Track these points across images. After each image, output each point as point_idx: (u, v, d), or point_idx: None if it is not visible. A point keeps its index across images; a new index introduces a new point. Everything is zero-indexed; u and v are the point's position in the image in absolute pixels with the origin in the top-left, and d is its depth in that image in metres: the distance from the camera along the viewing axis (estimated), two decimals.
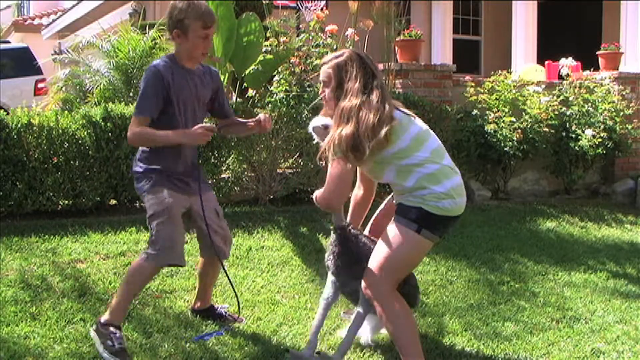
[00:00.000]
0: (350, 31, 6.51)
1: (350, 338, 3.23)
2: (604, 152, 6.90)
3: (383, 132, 2.90)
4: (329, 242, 3.30)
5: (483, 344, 3.57)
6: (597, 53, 7.97)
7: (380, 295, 3.03)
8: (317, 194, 3.06)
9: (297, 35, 6.64)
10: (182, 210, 3.30)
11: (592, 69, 7.84)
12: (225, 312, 3.70)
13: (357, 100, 2.96)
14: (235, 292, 3.68)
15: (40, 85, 11.23)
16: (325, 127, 3.08)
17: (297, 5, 8.16)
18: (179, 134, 3.19)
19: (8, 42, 14.45)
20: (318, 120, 3.14)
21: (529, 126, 6.64)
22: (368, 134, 2.89)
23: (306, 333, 3.56)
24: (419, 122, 3.12)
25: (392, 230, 3.04)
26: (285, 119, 5.74)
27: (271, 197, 5.80)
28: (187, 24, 3.15)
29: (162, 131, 3.17)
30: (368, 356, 3.36)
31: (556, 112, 6.90)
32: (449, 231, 3.24)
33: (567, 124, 7.01)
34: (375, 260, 3.06)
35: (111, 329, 3.15)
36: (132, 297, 3.33)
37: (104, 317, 3.21)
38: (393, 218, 3.09)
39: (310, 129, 3.17)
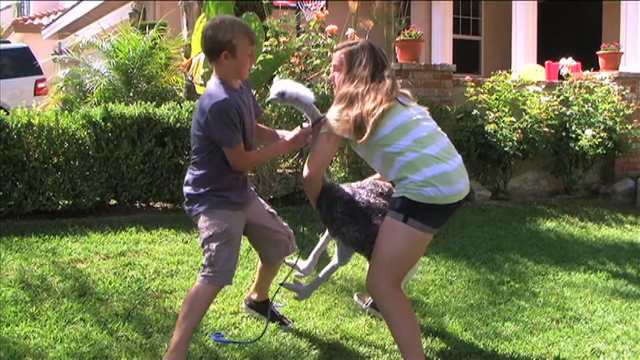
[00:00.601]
0: (350, 31, 6.51)
1: (320, 279, 3.52)
2: (604, 152, 6.90)
3: (380, 109, 3.00)
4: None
5: (483, 344, 3.57)
6: (597, 53, 7.97)
7: (381, 293, 3.05)
8: (307, 165, 3.15)
9: (297, 35, 6.65)
10: (242, 228, 3.27)
11: (592, 69, 7.84)
12: (278, 312, 3.68)
13: (364, 86, 3.08)
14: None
15: (40, 85, 11.24)
16: (282, 95, 3.17)
17: (297, 5, 8.17)
18: (284, 144, 3.32)
19: (8, 42, 14.46)
20: (275, 89, 3.21)
21: (529, 126, 6.64)
22: (371, 113, 3.01)
23: (306, 333, 3.57)
24: (411, 112, 3.15)
25: (384, 225, 3.09)
26: (285, 119, 5.74)
27: (271, 197, 5.80)
28: (235, 44, 3.04)
29: (269, 148, 3.37)
30: (367, 356, 3.36)
31: (556, 112, 6.90)
32: (442, 222, 3.22)
33: (567, 124, 7.01)
34: (373, 259, 3.10)
35: None
36: (192, 331, 3.11)
37: (168, 356, 3.02)
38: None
39: (271, 94, 3.23)
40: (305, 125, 3.27)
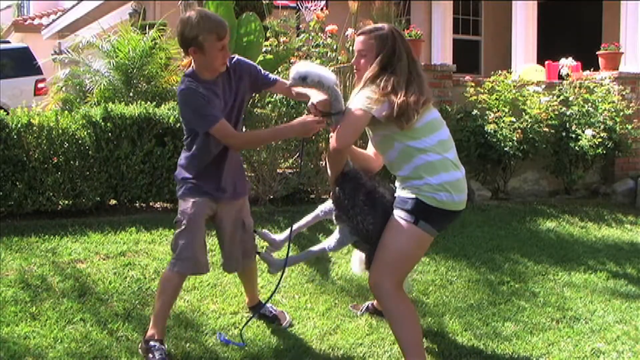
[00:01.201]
0: (350, 31, 6.51)
1: (303, 256, 3.55)
2: (604, 152, 6.89)
3: (423, 99, 3.01)
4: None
5: (483, 344, 3.57)
6: (597, 53, 7.97)
7: (384, 293, 3.06)
8: (335, 137, 3.05)
9: (297, 35, 6.65)
10: (206, 217, 3.29)
11: (592, 69, 7.84)
12: (270, 313, 3.67)
13: (404, 76, 3.03)
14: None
15: (40, 85, 11.25)
16: (304, 79, 3.10)
17: (297, 5, 8.18)
18: (286, 128, 3.35)
19: (8, 42, 14.46)
20: (295, 73, 3.12)
21: (529, 126, 6.64)
22: (418, 104, 2.98)
23: (306, 333, 3.57)
24: (435, 112, 3.18)
25: (392, 224, 3.08)
26: (285, 119, 5.73)
27: (271, 197, 5.80)
28: (202, 40, 3.03)
29: (268, 129, 3.30)
30: (368, 356, 3.36)
31: (556, 112, 6.89)
32: (446, 226, 3.24)
33: (567, 124, 7.00)
34: (378, 258, 3.09)
35: (151, 343, 3.14)
36: (167, 308, 3.26)
37: (147, 333, 3.21)
38: (393, 211, 3.11)
39: (291, 78, 3.14)
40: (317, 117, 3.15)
